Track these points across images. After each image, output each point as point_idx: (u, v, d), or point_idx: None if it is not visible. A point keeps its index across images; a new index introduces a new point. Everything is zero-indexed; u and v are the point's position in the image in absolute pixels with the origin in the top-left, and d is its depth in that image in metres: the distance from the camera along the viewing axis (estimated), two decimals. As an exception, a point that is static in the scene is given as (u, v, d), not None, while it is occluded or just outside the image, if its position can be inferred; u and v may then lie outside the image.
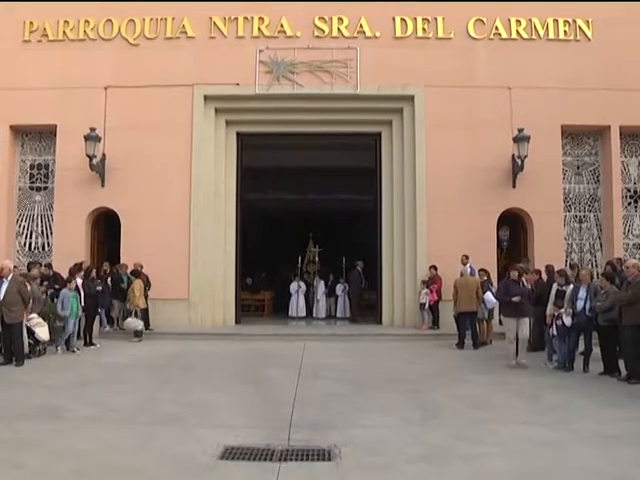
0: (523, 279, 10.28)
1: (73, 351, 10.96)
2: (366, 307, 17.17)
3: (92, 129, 13.74)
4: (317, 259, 18.92)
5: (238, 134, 15.30)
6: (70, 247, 13.94)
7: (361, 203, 17.78)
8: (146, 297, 13.14)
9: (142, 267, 13.26)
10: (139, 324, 12.55)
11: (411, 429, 6.22)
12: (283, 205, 20.16)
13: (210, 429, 6.17)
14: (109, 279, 13.30)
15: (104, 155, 14.25)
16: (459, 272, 12.84)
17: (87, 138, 13.69)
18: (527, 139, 13.66)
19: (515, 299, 9.61)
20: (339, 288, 17.69)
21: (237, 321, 15.15)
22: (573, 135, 15.00)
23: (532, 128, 13.74)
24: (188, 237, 14.38)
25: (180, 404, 7.18)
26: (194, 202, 14.42)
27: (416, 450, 5.55)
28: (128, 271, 13.55)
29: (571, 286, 9.84)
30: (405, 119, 14.75)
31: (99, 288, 12.39)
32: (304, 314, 17.35)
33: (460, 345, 11.88)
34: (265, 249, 22.00)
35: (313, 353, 11.24)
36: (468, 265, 13.18)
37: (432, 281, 13.91)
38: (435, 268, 13.96)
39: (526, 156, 13.73)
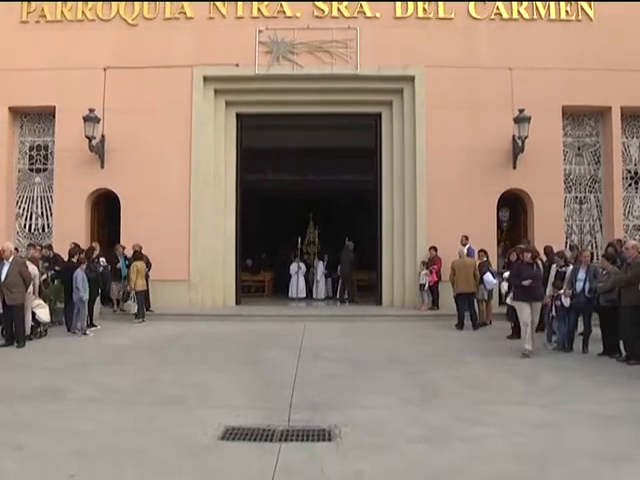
0: (538, 262, 10.20)
1: (85, 334, 10.93)
2: (365, 288, 17.18)
3: (91, 110, 13.59)
4: (317, 240, 18.86)
5: (238, 115, 15.15)
6: (70, 229, 13.87)
7: (361, 184, 17.73)
8: (147, 279, 13.12)
9: (141, 248, 13.22)
10: (133, 307, 12.54)
11: (411, 409, 6.22)
12: (283, 186, 20.16)
13: (211, 410, 6.17)
14: (103, 260, 13.18)
15: (103, 136, 14.13)
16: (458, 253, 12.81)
17: (86, 119, 13.56)
18: (528, 120, 13.53)
19: (525, 283, 9.08)
20: (339, 269, 17.61)
21: (237, 302, 15.17)
22: (574, 116, 14.85)
23: (533, 109, 13.59)
24: (188, 218, 14.34)
25: (181, 385, 7.18)
26: (194, 183, 14.34)
27: (416, 431, 5.55)
28: (126, 252, 13.52)
29: (571, 267, 9.80)
30: (405, 100, 14.61)
31: (102, 269, 12.36)
32: (304, 295, 17.35)
33: (459, 326, 11.88)
34: (265, 230, 21.95)
35: (313, 334, 11.24)
36: (467, 246, 13.15)
37: (432, 262, 13.88)
38: (435, 249, 13.93)
39: (527, 137, 13.61)
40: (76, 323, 11.06)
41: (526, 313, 9.06)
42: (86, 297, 11.13)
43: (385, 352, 9.41)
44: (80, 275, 11.06)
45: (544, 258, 11.53)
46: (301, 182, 19.90)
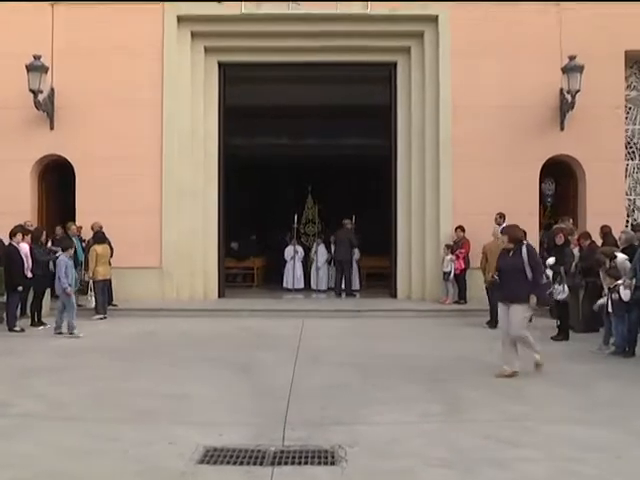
0: (572, 245, 10.13)
1: (72, 334, 10.90)
2: (377, 277, 17.16)
3: (36, 57, 13.43)
4: (317, 218, 18.81)
5: (220, 64, 15.07)
6: (11, 205, 13.79)
7: (372, 150, 17.72)
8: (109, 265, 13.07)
9: (101, 228, 13.17)
10: (91, 301, 12.55)
11: (431, 426, 6.19)
12: (276, 152, 20.18)
13: (187, 426, 6.14)
14: (49, 243, 13.09)
15: (52, 90, 14.03)
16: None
17: (30, 68, 13.39)
18: (580, 69, 13.42)
19: (495, 276, 8.56)
20: (334, 253, 17.61)
21: (221, 294, 15.22)
22: (640, 64, 14.77)
23: (586, 55, 13.48)
24: (160, 191, 14.37)
25: (150, 396, 7.15)
26: (167, 148, 14.35)
27: (437, 453, 5.51)
28: (82, 234, 13.48)
29: (619, 256, 9.73)
30: (426, 45, 14.54)
31: (58, 255, 12.29)
32: (302, 285, 17.37)
33: (492, 323, 11.85)
34: (254, 206, 21.94)
35: (313, 333, 11.25)
36: (503, 226, 13.06)
37: (458, 245, 13.89)
38: (462, 229, 13.92)
39: (578, 91, 13.52)
40: (60, 321, 11.07)
41: (501, 319, 8.32)
42: (73, 288, 11.21)
43: (400, 356, 9.42)
44: (63, 262, 11.09)
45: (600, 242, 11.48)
46: (298, 148, 19.91)
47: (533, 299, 7.89)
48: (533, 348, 8.15)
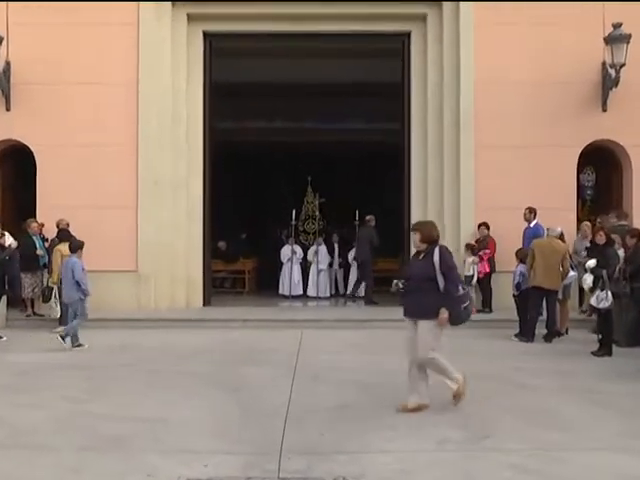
0: (617, 245, 10.09)
1: (79, 345, 11.13)
2: (386, 281, 17.12)
3: (-12, 25, 13.47)
4: (319, 214, 18.80)
5: (206, 35, 15.09)
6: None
7: (382, 134, 17.72)
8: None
9: (68, 225, 13.16)
10: (55, 310, 12.54)
11: (449, 456, 6.16)
12: (270, 137, 20.16)
13: (167, 456, 6.11)
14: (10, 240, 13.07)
15: (8, 64, 14.01)
16: (522, 231, 12.99)
17: (-20, 39, 13.42)
18: (626, 39, 13.39)
19: (393, 287, 7.96)
20: (350, 254, 17.67)
21: (206, 302, 15.24)
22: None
23: (633, 23, 13.44)
24: (135, 183, 14.41)
25: (124, 420, 7.12)
26: (143, 134, 14.37)
27: (459, 486, 5.49)
28: (44, 231, 13.47)
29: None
30: (445, 12, 14.55)
31: (6, 256, 12.26)
32: (300, 292, 17.37)
33: (528, 335, 11.91)
34: (246, 200, 21.92)
35: (313, 346, 11.25)
36: (534, 222, 13.18)
37: (482, 245, 13.90)
38: (486, 227, 13.93)
39: (623, 65, 13.50)
40: (71, 331, 11.18)
41: (406, 339, 7.68)
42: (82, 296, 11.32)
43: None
44: (79, 265, 11.17)
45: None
46: (297, 132, 19.86)
47: (443, 314, 7.20)
48: (447, 374, 7.51)
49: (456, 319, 7.36)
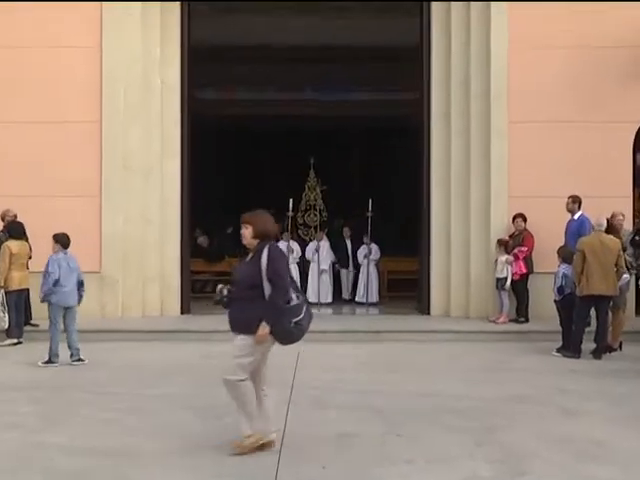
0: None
1: (79, 360, 11.27)
2: (402, 284, 17.09)
3: None
4: (322, 203, 18.71)
5: (184, -14, 15.05)
6: None
7: (395, 107, 17.62)
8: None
9: (16, 217, 13.10)
10: (3, 319, 12.48)
11: (480, 496, 6.12)
12: (263, 111, 20.09)
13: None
14: None
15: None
16: (565, 224, 12.92)
17: None
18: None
19: (217, 294, 7.40)
20: (360, 253, 17.69)
21: (184, 309, 15.27)
22: None
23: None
24: (99, 167, 14.41)
25: (79, 453, 7.07)
26: (108, 109, 14.38)
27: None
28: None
29: None
30: (473, -40, 14.47)
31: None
32: (299, 297, 17.31)
33: (573, 349, 11.84)
34: (232, 186, 21.86)
35: (314, 363, 11.24)
36: (579, 214, 13.21)
37: (517, 241, 13.89)
38: (523, 219, 13.93)
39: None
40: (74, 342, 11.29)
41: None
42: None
43: (434, 395, 9.40)
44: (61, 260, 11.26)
45: None
46: (294, 104, 19.80)
47: (262, 330, 6.77)
48: (245, 412, 7.04)
49: (283, 336, 6.91)
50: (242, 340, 6.88)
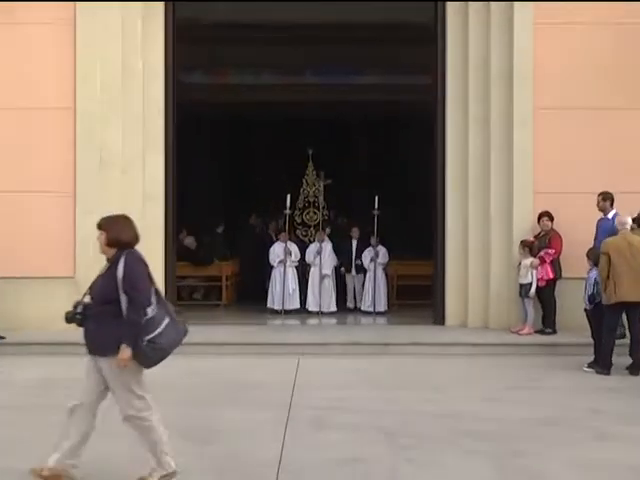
0: None
1: None
2: (415, 291, 17.06)
3: None
4: (322, 200, 18.69)
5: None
6: None
7: (407, 92, 17.63)
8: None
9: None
10: None
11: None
12: (258, 97, 20.09)
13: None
14: None
15: None
16: (595, 224, 12.94)
17: None
18: None
19: (73, 308, 7.14)
20: (366, 256, 17.71)
21: (169, 319, 15.12)
22: None
23: None
24: (73, 161, 14.40)
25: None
26: (83, 95, 14.40)
27: None
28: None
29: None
30: None
31: None
32: (297, 305, 17.37)
33: (602, 365, 11.77)
34: (223, 182, 21.85)
35: (315, 379, 11.27)
36: (612, 213, 13.16)
37: (543, 242, 13.85)
38: (550, 217, 13.92)
39: None
40: None
41: (82, 387, 7.20)
42: None
43: (450, 415, 9.40)
44: None
45: None
46: (293, 90, 19.79)
47: (123, 353, 6.53)
48: (154, 448, 6.93)
49: (140, 358, 6.66)
50: (109, 366, 6.69)
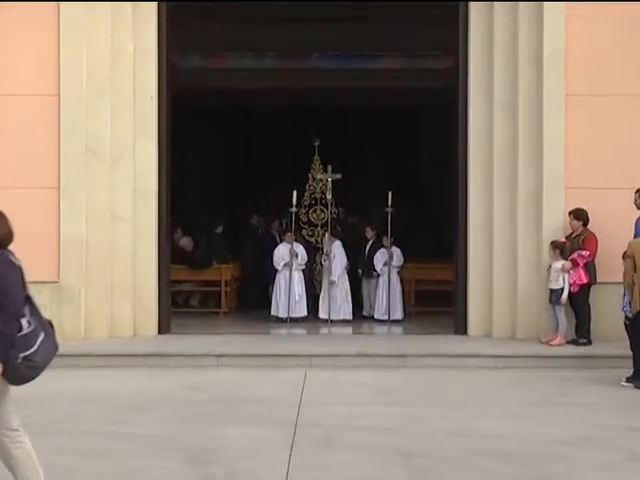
0: None
1: None
2: (434, 296, 17.05)
3: None
4: (331, 197, 18.68)
5: None
6: None
7: (425, 77, 17.65)
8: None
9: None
10: None
11: None
12: (259, 82, 20.10)
13: None
14: None
15: None
16: (634, 223, 12.82)
17: None
18: None
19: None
20: (379, 258, 17.68)
21: (163, 328, 15.26)
22: None
23: None
24: (57, 152, 14.42)
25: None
26: (68, 80, 14.40)
27: None
28: None
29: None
30: None
31: None
32: (304, 312, 17.39)
33: (636, 376, 11.74)
34: (223, 176, 21.86)
35: (323, 395, 11.28)
36: None
37: (576, 244, 13.83)
38: (575, 216, 13.91)
39: None
40: None
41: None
42: None
43: (474, 434, 9.40)
44: None
45: None
46: (297, 74, 19.79)
47: None
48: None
49: (11, 376, 6.45)
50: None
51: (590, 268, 13.78)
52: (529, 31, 14.38)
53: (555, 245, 13.86)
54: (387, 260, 17.42)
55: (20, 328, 6.32)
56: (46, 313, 13.93)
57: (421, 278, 17.91)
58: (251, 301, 18.79)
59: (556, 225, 14.12)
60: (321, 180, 18.69)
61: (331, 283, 17.35)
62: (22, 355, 6.31)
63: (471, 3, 14.87)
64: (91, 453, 8.60)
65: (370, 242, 18.00)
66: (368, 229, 18.18)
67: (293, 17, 17.92)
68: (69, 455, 8.54)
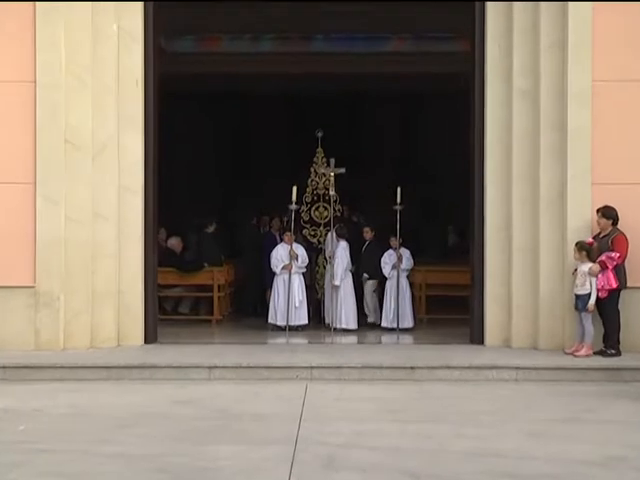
0: None
1: None
2: (446, 304, 17.07)
3: None
4: (334, 193, 18.70)
5: None
6: None
7: (440, 62, 17.68)
8: None
9: None
10: None
11: None
12: (256, 67, 20.10)
13: None
14: None
15: None
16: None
17: None
18: None
19: None
20: (386, 261, 17.67)
21: (149, 337, 15.34)
22: None
23: None
24: (33, 145, 14.45)
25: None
26: (44, 63, 14.46)
27: None
28: None
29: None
30: None
31: None
32: (305, 320, 17.40)
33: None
34: (215, 169, 21.89)
35: (326, 411, 11.28)
36: None
37: (605, 245, 13.84)
38: (604, 214, 13.93)
39: None
40: None
41: None
42: None
43: (488, 454, 9.37)
44: None
45: None
46: (299, 60, 19.80)
47: None
48: None
49: None
50: None
51: (620, 271, 13.77)
52: (553, 13, 14.38)
53: (581, 246, 13.82)
54: (395, 263, 17.46)
55: None
56: (20, 321, 14.19)
57: (433, 282, 17.90)
58: (247, 308, 18.79)
59: (582, 224, 14.11)
60: (324, 175, 18.72)
61: (335, 287, 17.38)
62: None
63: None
64: (72, 476, 8.63)
65: (366, 243, 18.03)
66: (367, 229, 18.19)
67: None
68: (51, 477, 8.49)
